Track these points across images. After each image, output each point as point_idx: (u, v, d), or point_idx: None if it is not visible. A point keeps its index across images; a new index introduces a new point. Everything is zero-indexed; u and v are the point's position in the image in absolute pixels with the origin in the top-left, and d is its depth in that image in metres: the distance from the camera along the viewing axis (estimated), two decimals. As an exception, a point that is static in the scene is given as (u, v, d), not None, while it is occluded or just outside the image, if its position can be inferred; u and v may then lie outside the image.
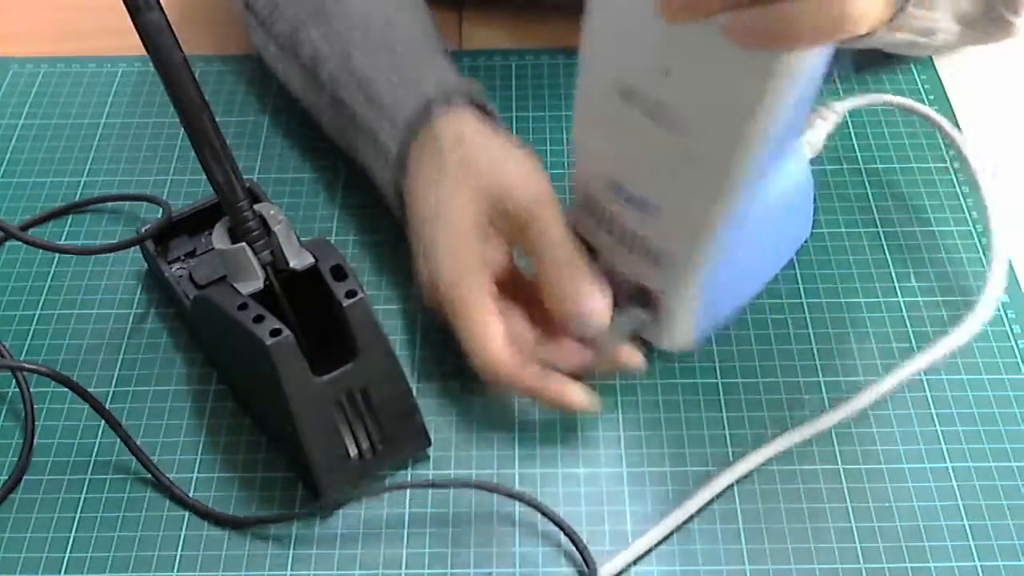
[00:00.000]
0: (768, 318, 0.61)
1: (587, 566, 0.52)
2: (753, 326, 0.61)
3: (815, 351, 0.60)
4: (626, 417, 0.58)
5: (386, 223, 0.66)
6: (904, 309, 0.61)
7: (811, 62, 0.47)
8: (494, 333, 0.54)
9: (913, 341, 0.60)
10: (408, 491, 0.55)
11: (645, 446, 0.56)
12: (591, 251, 0.57)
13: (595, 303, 0.54)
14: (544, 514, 0.53)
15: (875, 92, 0.70)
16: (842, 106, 0.67)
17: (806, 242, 0.63)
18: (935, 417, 0.57)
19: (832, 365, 0.59)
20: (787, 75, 0.46)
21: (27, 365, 0.57)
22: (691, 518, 0.54)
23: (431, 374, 0.59)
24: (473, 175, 0.56)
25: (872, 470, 0.55)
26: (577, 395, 0.55)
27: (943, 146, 0.70)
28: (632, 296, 0.57)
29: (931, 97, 0.73)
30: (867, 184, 0.68)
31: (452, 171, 0.56)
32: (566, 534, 0.53)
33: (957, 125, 0.71)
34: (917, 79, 0.74)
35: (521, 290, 0.58)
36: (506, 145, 0.58)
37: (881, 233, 0.65)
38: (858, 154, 0.70)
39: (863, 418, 0.57)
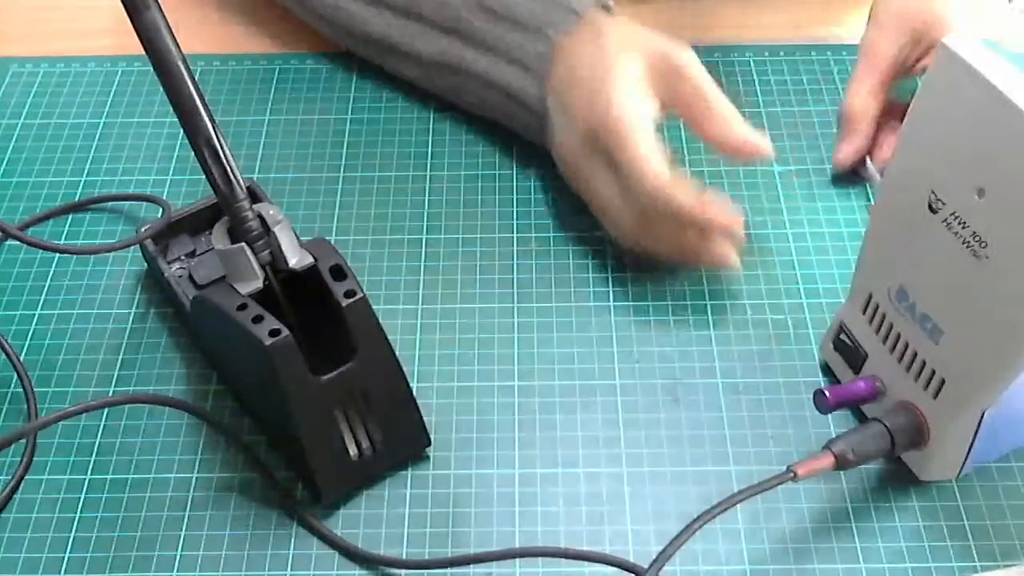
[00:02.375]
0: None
1: None
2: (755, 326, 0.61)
3: (815, 351, 0.60)
4: (626, 417, 0.58)
5: (386, 223, 0.66)
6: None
7: None
8: (661, 156, 0.60)
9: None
10: (408, 492, 0.55)
11: (645, 446, 0.56)
12: (856, 353, 0.56)
13: (751, 132, 0.61)
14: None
15: None
16: None
17: None
18: (935, 417, 0.57)
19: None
20: None
21: (140, 397, 0.58)
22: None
23: (431, 374, 0.59)
24: (636, 38, 0.64)
25: (871, 469, 0.55)
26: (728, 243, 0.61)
27: None
28: (895, 410, 0.53)
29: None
30: None
31: (616, 37, 0.64)
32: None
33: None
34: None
35: None
36: (646, 27, 0.66)
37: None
38: None
39: (863, 418, 0.57)
